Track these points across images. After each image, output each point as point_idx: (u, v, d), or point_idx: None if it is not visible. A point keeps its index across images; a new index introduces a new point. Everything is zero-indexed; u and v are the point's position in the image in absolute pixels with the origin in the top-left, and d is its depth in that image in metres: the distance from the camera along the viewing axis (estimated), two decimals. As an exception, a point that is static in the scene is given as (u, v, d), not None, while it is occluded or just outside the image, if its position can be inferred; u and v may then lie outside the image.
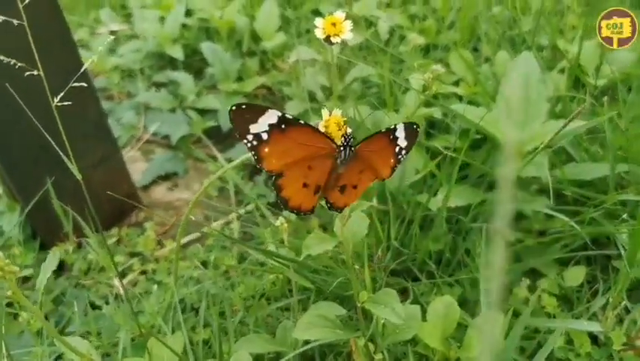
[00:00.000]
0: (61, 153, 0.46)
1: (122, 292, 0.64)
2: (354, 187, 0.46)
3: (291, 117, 0.44)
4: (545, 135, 0.65)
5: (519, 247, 0.69)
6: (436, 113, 0.76)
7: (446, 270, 0.69)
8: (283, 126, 0.44)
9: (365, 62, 0.91)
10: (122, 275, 0.76)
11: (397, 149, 0.44)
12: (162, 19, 1.17)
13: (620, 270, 0.62)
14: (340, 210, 0.47)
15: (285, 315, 0.66)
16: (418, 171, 0.74)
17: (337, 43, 0.52)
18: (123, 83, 1.11)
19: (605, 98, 0.64)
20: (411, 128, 0.44)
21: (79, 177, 0.46)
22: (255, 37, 1.12)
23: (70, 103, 0.49)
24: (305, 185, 0.46)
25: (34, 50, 0.44)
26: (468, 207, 0.70)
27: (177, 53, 1.10)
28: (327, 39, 0.52)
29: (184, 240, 0.82)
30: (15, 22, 0.44)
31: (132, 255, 0.79)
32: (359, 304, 0.51)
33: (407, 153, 0.45)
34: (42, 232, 0.78)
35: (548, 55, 0.93)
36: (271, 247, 0.62)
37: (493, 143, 0.74)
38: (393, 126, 0.44)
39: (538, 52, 0.88)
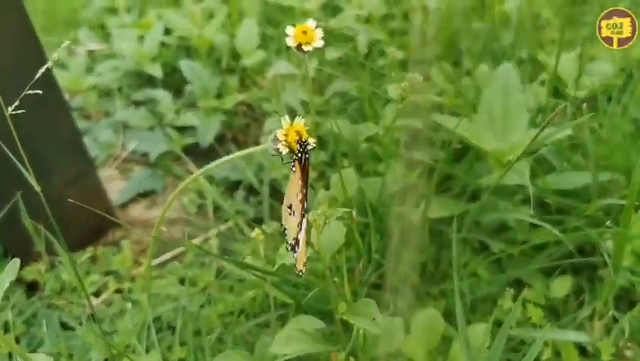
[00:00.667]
0: (18, 164, 0.44)
1: (94, 311, 0.62)
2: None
3: None
4: (526, 144, 0.65)
5: (502, 256, 0.68)
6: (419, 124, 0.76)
7: (430, 282, 0.68)
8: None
9: (344, 77, 0.91)
10: (96, 294, 0.74)
11: None
12: (141, 38, 1.16)
13: (605, 278, 0.61)
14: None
15: (265, 331, 0.64)
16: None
17: (309, 51, 0.52)
18: (101, 102, 1.10)
19: (585, 105, 0.64)
20: None
21: (38, 188, 0.44)
22: (235, 55, 1.12)
23: (39, 117, 0.47)
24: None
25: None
26: (451, 219, 0.69)
27: (156, 71, 1.09)
28: (299, 47, 0.52)
29: (162, 258, 0.80)
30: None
31: (107, 274, 0.77)
32: (338, 316, 0.50)
33: None
34: (13, 251, 0.76)
35: (529, 68, 0.93)
36: (248, 260, 0.61)
37: (475, 153, 0.73)
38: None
39: (518, 65, 0.88)
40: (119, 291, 0.75)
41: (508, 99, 0.73)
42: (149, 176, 0.94)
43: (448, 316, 0.62)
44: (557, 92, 0.81)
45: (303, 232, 0.43)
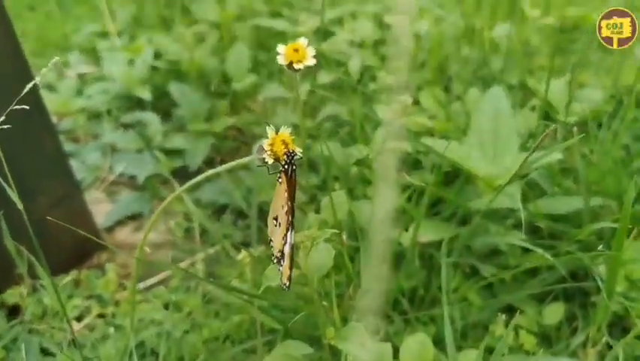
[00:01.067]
0: (2, 182, 0.43)
1: (75, 336, 0.60)
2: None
3: None
4: (517, 167, 0.64)
5: (494, 281, 0.67)
6: (407, 147, 0.75)
7: (420, 307, 0.67)
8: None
9: (336, 101, 0.90)
10: (78, 319, 0.72)
11: None
12: (131, 61, 1.16)
13: (598, 303, 0.60)
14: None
15: (251, 358, 0.62)
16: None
17: (300, 69, 0.51)
18: (89, 125, 1.09)
19: (575, 129, 0.64)
20: None
21: (20, 206, 0.43)
22: (226, 79, 1.11)
23: (24, 137, 0.46)
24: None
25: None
26: (441, 243, 0.68)
27: (145, 94, 1.08)
28: (290, 66, 0.51)
29: (148, 282, 0.78)
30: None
31: (91, 297, 0.75)
32: (326, 341, 0.48)
33: None
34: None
35: (519, 94, 0.93)
36: (234, 283, 0.60)
37: (466, 177, 0.73)
38: None
39: (508, 90, 0.88)
40: (102, 315, 0.73)
41: (498, 123, 0.73)
42: (136, 199, 0.93)
43: (439, 342, 0.61)
44: (548, 117, 0.81)
45: (288, 245, 0.42)
